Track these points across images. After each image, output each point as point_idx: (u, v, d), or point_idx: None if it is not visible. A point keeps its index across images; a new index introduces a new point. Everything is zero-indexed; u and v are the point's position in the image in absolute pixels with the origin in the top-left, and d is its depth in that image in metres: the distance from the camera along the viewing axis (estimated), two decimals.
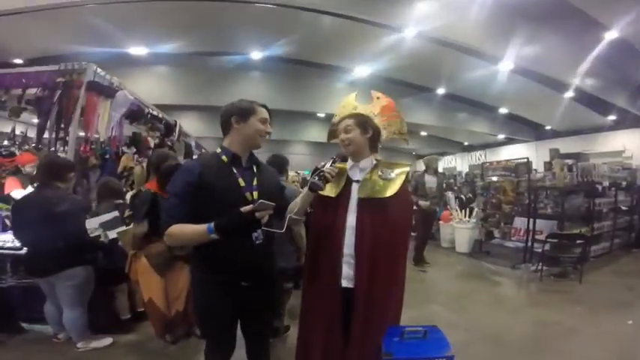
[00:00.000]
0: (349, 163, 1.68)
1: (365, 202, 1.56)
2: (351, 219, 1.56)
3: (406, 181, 1.63)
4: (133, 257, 2.39)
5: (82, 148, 3.42)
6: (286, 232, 1.49)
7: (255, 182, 1.46)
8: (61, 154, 3.07)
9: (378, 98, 1.76)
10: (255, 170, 1.50)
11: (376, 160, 1.65)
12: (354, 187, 1.61)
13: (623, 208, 6.03)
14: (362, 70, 9.49)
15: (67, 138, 3.01)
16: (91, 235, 2.42)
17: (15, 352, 2.35)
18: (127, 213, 2.51)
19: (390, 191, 1.55)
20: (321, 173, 1.45)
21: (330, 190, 1.60)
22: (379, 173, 1.60)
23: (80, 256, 2.38)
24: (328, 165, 1.49)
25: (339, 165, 1.60)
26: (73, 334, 2.45)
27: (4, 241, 2.65)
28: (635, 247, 6.03)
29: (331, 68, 9.72)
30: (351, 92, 1.79)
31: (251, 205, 1.25)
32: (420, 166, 19.82)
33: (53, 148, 3.22)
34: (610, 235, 5.72)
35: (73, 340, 2.46)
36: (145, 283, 2.34)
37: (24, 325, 2.66)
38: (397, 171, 1.61)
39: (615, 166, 6.37)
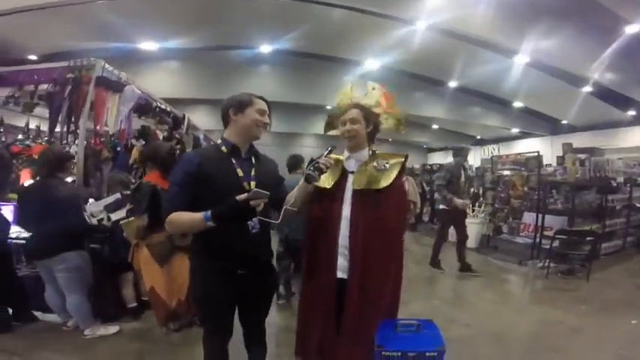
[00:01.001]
0: (345, 154, 1.69)
1: (359, 194, 1.58)
2: (346, 210, 1.58)
3: (401, 172, 1.64)
4: (136, 247, 2.48)
5: (92, 141, 3.55)
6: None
7: (253, 172, 1.49)
8: (73, 146, 3.19)
9: (373, 89, 1.76)
10: (254, 161, 1.53)
11: (372, 151, 1.67)
12: (350, 178, 1.63)
13: (638, 205, 5.85)
14: (372, 63, 9.38)
15: (78, 131, 3.12)
16: (96, 219, 2.56)
17: (24, 341, 2.45)
18: (128, 207, 2.58)
19: (385, 182, 1.57)
20: (316, 165, 1.46)
21: (325, 182, 1.62)
22: (374, 164, 1.61)
23: (75, 240, 2.48)
24: (323, 156, 1.50)
25: (334, 156, 1.61)
26: (79, 321, 2.55)
27: (19, 232, 2.77)
28: None
29: (341, 61, 9.64)
30: (358, 85, 1.80)
31: (246, 194, 1.28)
32: (432, 159, 19.65)
33: (65, 141, 3.35)
34: (623, 233, 5.57)
35: (80, 327, 2.56)
36: (146, 272, 2.42)
37: (37, 313, 2.78)
38: (392, 161, 1.62)
39: (631, 162, 6.17)
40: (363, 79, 9.43)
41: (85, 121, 3.07)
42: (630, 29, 6.36)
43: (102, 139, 3.65)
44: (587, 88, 9.09)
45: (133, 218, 2.50)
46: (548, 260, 4.45)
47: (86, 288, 2.55)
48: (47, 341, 2.46)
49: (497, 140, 16.22)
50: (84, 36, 6.82)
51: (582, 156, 5.32)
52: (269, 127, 1.55)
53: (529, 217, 5.41)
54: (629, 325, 2.79)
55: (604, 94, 9.25)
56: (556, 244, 4.49)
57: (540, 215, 5.02)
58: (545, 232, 4.86)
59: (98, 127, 3.36)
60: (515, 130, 14.39)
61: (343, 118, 1.64)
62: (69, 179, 2.80)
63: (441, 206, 4.56)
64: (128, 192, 2.95)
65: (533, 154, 5.96)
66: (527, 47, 7.09)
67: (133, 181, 3.28)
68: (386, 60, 9.04)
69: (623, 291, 3.73)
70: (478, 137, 17.39)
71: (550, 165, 7.25)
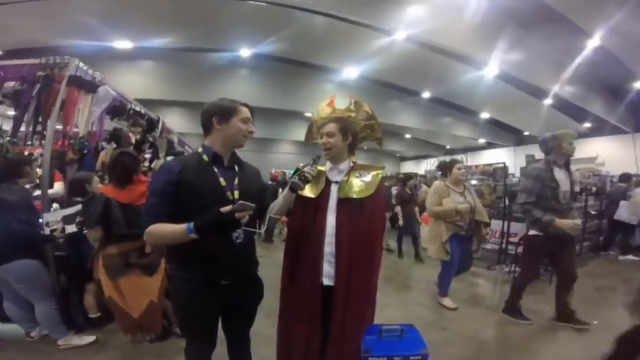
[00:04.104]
0: (328, 165, 1.74)
1: (344, 202, 1.63)
2: (331, 219, 1.62)
3: (382, 182, 1.72)
4: (95, 256, 2.40)
5: (59, 143, 3.36)
6: None
7: (236, 182, 1.46)
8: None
9: (355, 102, 1.83)
10: (236, 170, 1.51)
11: (353, 162, 1.73)
12: (334, 187, 1.67)
13: (593, 212, 6.32)
14: (351, 72, 9.56)
15: (45, 132, 2.95)
16: (49, 228, 2.44)
17: None
18: (78, 219, 2.47)
19: (368, 192, 1.64)
20: (302, 174, 1.48)
21: (309, 191, 1.65)
22: (357, 175, 1.68)
23: (26, 249, 2.35)
24: (309, 166, 1.53)
25: (318, 166, 1.64)
26: (49, 331, 2.46)
27: None
28: (603, 250, 6.31)
29: (321, 68, 9.76)
30: (337, 93, 1.86)
31: (230, 206, 1.26)
32: (404, 167, 20.16)
33: (30, 142, 3.15)
34: (580, 239, 5.97)
35: (52, 337, 2.45)
36: (102, 282, 2.35)
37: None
38: (373, 173, 1.70)
39: (586, 173, 6.67)
40: (341, 87, 9.54)
41: (54, 122, 2.91)
42: (592, 43, 6.84)
43: (70, 141, 3.47)
44: (548, 101, 9.72)
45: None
46: (514, 265, 4.69)
47: (52, 296, 2.43)
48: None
49: (465, 150, 17.01)
50: (52, 32, 6.47)
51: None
52: (252, 134, 1.54)
53: (496, 224, 5.71)
54: (591, 325, 2.97)
55: (563, 106, 9.94)
56: (521, 249, 4.74)
57: (506, 222, 5.30)
58: (511, 239, 5.15)
59: (67, 128, 3.20)
60: (482, 141, 15.14)
61: (320, 131, 1.70)
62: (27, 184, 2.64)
63: (531, 232, 3.06)
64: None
65: (499, 165, 6.30)
66: (496, 60, 7.48)
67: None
68: (364, 69, 9.25)
69: (583, 293, 3.95)
70: (448, 147, 18.13)
71: (514, 175, 7.69)
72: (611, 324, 2.94)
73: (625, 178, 6.35)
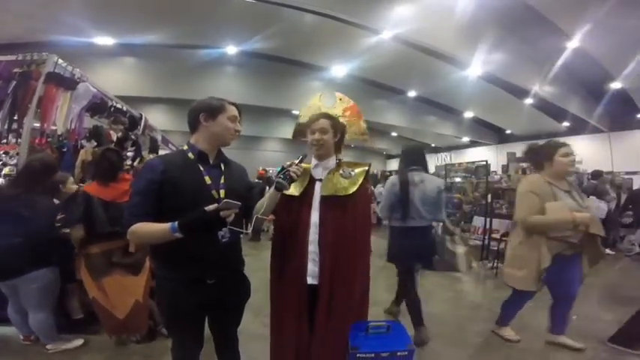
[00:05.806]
0: (313, 162, 1.73)
1: (328, 200, 1.63)
2: (315, 216, 1.62)
3: (366, 180, 1.72)
4: (77, 256, 2.35)
5: (37, 141, 3.25)
6: None
7: (222, 180, 1.44)
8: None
9: (340, 100, 1.84)
10: (222, 168, 1.49)
11: (338, 159, 1.74)
12: (317, 185, 1.67)
13: None
14: (338, 70, 9.55)
15: (21, 130, 2.85)
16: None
17: None
18: (60, 216, 2.39)
19: (352, 189, 1.63)
20: (287, 173, 1.47)
21: (293, 189, 1.63)
22: (341, 172, 1.68)
23: (45, 257, 2.28)
24: (295, 164, 1.52)
25: (304, 165, 1.64)
26: (41, 337, 2.39)
27: None
28: None
29: (308, 66, 9.72)
30: (325, 91, 1.87)
31: (215, 205, 1.25)
32: (391, 165, 20.37)
33: (5, 140, 3.05)
34: None
35: (41, 341, 2.39)
36: (85, 282, 2.31)
37: None
38: (357, 170, 1.70)
39: None
40: (329, 85, 9.49)
41: (30, 120, 2.82)
42: (571, 44, 7.05)
43: (48, 139, 3.37)
44: (529, 100, 9.98)
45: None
46: (496, 260, 4.83)
47: (52, 304, 2.37)
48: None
49: (449, 148, 17.33)
50: (31, 27, 6.19)
51: (524, 165, 5.87)
52: (239, 133, 1.52)
53: (478, 221, 5.86)
54: (570, 320, 3.07)
55: (543, 106, 10.23)
56: (503, 245, 4.89)
57: (488, 219, 5.45)
58: (493, 235, 5.29)
59: (45, 126, 3.10)
60: (465, 139, 15.45)
61: (312, 127, 1.67)
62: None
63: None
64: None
65: (482, 163, 6.45)
66: (479, 60, 7.62)
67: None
68: (352, 67, 9.25)
69: None
70: (433, 145, 18.41)
71: (496, 172, 7.89)
72: (586, 316, 3.09)
73: (595, 174, 6.62)
